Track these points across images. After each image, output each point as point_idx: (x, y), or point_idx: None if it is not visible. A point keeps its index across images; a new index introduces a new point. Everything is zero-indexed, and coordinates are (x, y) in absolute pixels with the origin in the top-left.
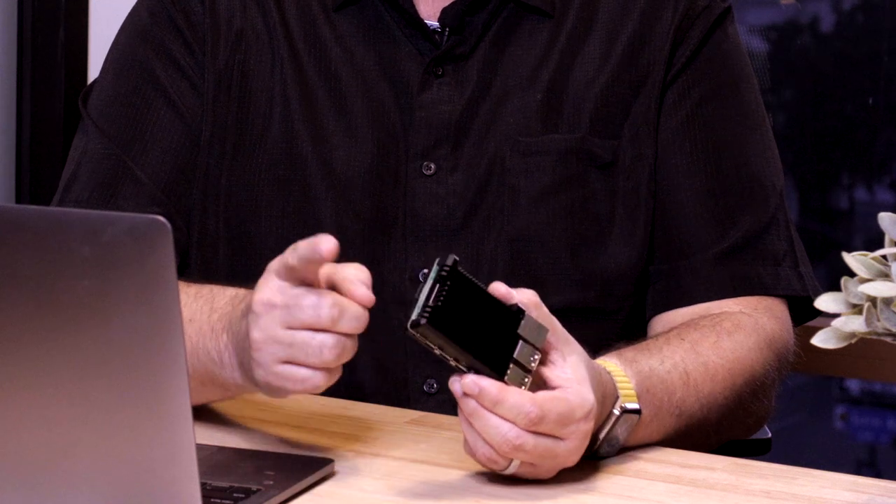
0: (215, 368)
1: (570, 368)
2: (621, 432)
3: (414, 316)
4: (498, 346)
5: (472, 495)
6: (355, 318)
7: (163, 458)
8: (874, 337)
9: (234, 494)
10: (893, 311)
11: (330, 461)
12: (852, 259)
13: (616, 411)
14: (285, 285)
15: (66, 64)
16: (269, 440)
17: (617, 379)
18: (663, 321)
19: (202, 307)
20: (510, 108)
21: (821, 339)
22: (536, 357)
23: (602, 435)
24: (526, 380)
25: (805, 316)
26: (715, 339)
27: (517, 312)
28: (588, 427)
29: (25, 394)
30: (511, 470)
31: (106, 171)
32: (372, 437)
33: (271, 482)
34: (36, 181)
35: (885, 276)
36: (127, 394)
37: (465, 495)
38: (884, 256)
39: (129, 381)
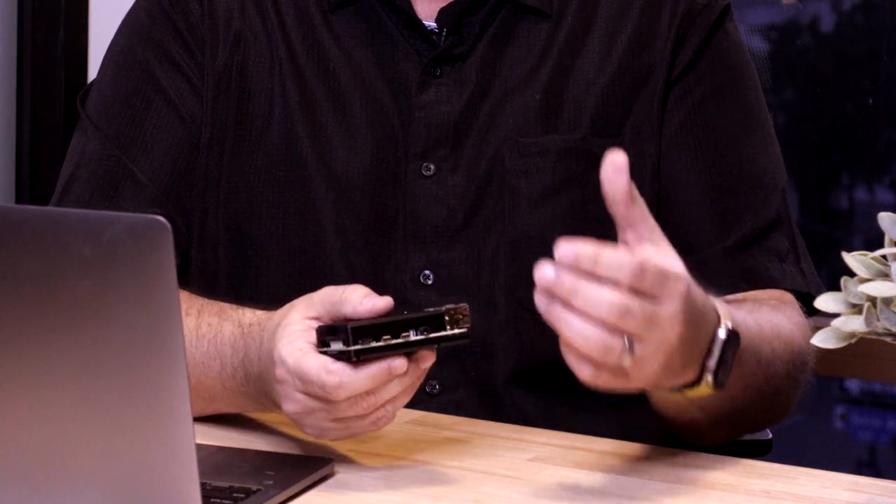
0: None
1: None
2: (730, 356)
3: (353, 348)
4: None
5: (472, 495)
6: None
7: (163, 458)
8: (874, 337)
9: (234, 494)
10: (893, 311)
11: (330, 461)
12: (852, 259)
13: (721, 334)
14: (304, 398)
15: (66, 64)
16: (269, 440)
17: (713, 299)
18: None
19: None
20: (509, 108)
21: (821, 339)
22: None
23: (712, 362)
24: None
25: (807, 313)
26: (768, 309)
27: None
28: (685, 290)
29: (25, 394)
30: (627, 360)
31: (106, 173)
32: (372, 437)
33: (271, 482)
34: (36, 181)
35: (885, 276)
36: (127, 394)
37: (465, 495)
38: (884, 256)
39: (129, 381)
